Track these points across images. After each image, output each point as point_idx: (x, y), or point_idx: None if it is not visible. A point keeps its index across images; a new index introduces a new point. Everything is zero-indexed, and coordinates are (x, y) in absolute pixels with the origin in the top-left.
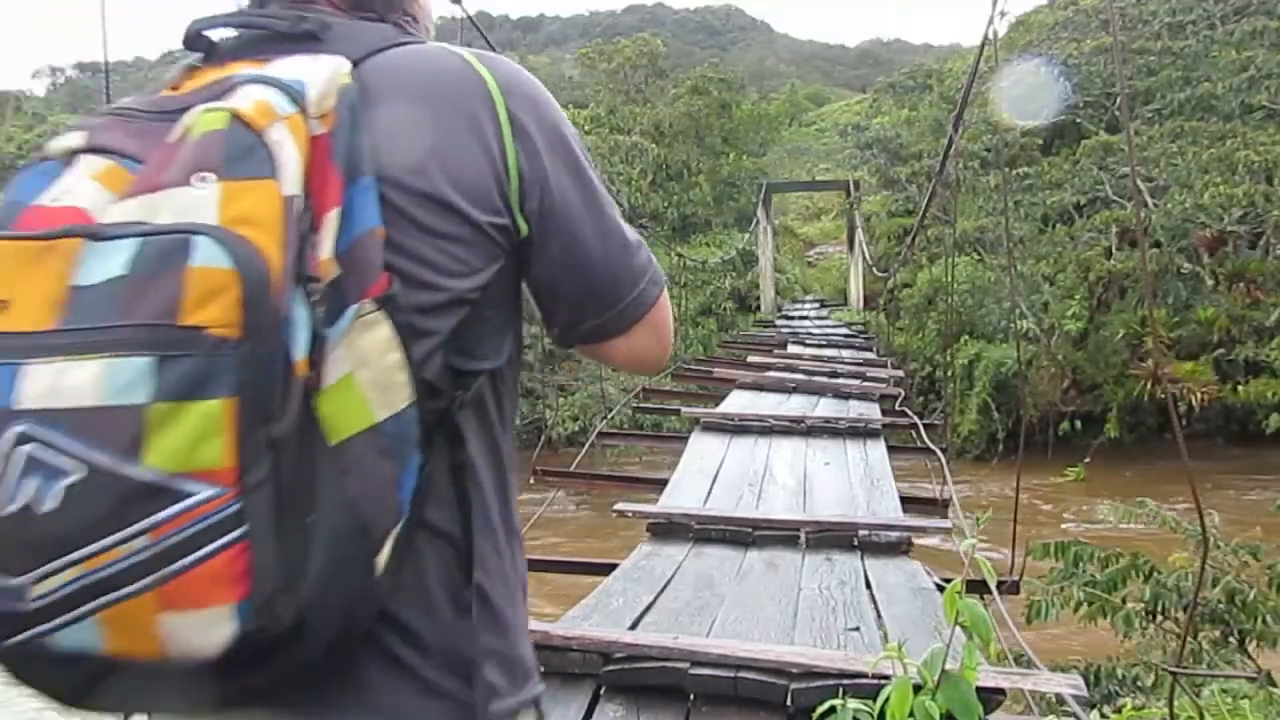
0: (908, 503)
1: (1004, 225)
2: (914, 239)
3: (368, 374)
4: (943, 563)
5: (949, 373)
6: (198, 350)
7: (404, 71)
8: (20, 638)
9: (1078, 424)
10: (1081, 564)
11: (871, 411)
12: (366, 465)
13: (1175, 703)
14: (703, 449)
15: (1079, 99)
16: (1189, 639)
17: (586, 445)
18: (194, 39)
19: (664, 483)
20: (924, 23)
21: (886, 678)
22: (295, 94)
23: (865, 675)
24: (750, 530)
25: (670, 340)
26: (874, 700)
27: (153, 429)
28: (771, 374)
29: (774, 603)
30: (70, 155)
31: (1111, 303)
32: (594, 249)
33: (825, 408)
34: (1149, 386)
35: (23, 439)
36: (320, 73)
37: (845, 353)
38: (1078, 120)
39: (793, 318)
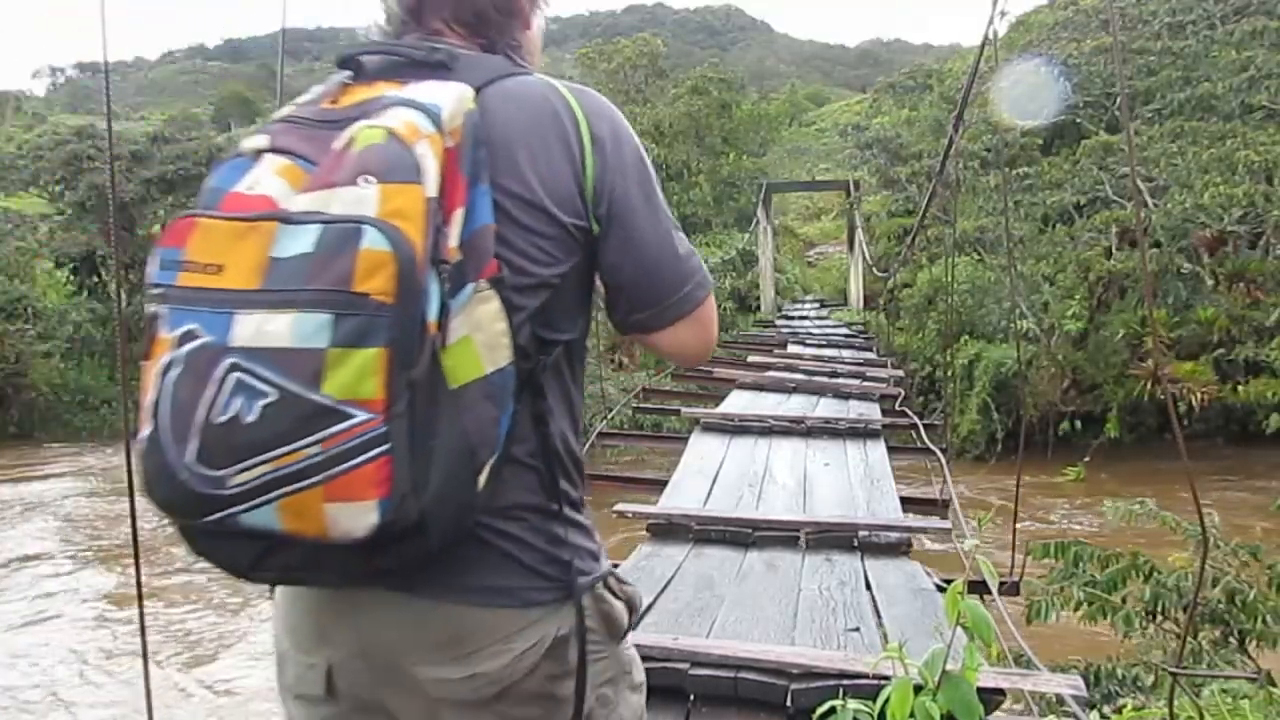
0: (908, 503)
1: (1004, 225)
2: (914, 239)
3: (481, 336)
4: (943, 563)
5: (949, 373)
6: (364, 311)
7: (513, 99)
8: (216, 516)
9: (1078, 424)
10: (1081, 564)
11: (871, 412)
12: (476, 406)
13: (1175, 703)
14: (703, 449)
15: (1079, 99)
16: (1189, 639)
17: (586, 446)
18: (346, 61)
19: (664, 483)
20: (924, 23)
21: (886, 678)
22: (433, 116)
23: (865, 676)
24: (750, 531)
25: (713, 338)
26: (874, 701)
27: (329, 367)
28: (771, 374)
29: (774, 603)
30: (257, 153)
31: (1111, 303)
32: (649, 251)
33: (825, 408)
34: (1149, 386)
35: (233, 367)
36: (450, 97)
37: (845, 353)
38: (1078, 120)
39: (793, 318)
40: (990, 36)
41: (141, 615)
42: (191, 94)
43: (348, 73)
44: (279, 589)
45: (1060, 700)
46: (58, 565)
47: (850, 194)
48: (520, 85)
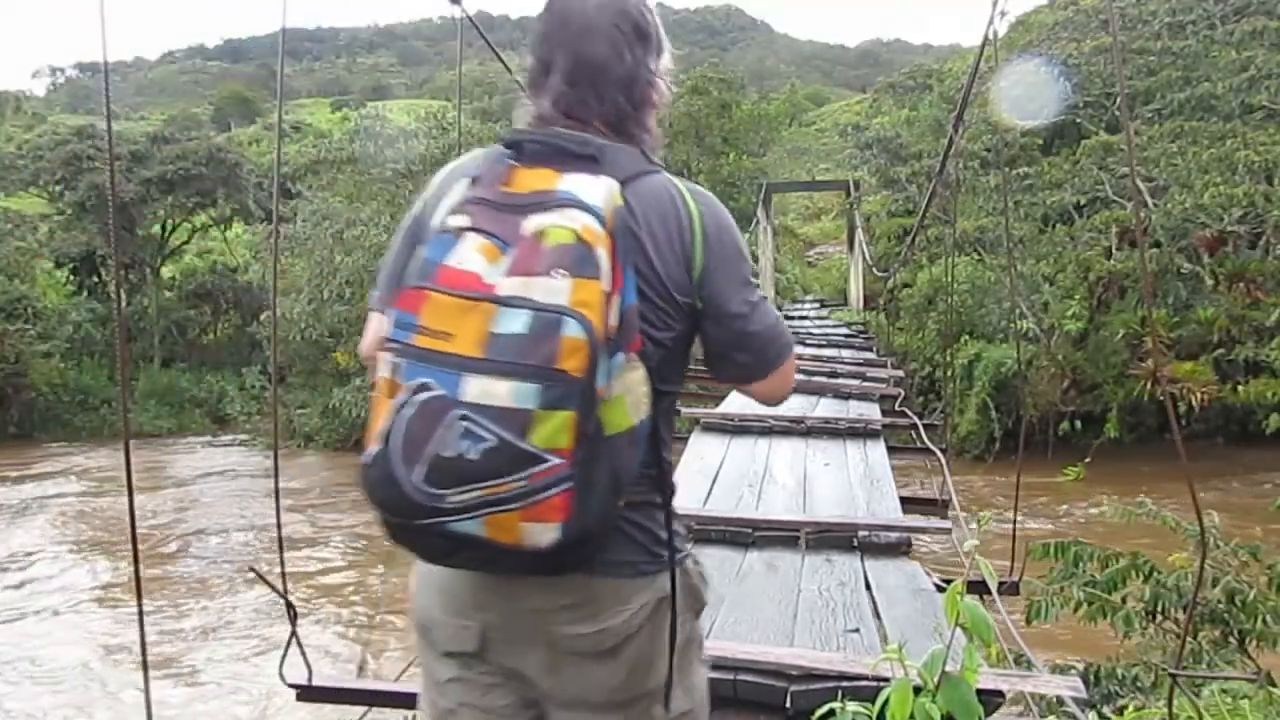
0: (907, 503)
1: (1004, 225)
2: (914, 239)
3: (630, 397)
4: (943, 563)
5: (949, 373)
6: (562, 384)
7: (648, 197)
8: (430, 521)
9: (1078, 424)
10: (1081, 564)
11: (871, 411)
12: (624, 449)
13: (1175, 703)
14: (702, 449)
15: (1079, 99)
16: (1189, 639)
17: None
18: (510, 143)
19: None
20: (924, 23)
21: (886, 680)
22: (601, 219)
23: (865, 677)
24: (750, 531)
25: (791, 384)
26: (873, 703)
27: (535, 423)
28: None
29: (773, 604)
30: (460, 231)
31: (1111, 303)
32: (739, 325)
33: (825, 408)
34: (1149, 386)
35: (463, 418)
36: (604, 195)
37: (845, 353)
38: (1078, 120)
39: (793, 317)
40: (990, 36)
41: (141, 617)
42: (191, 94)
43: (510, 152)
44: (423, 570)
45: (1060, 701)
46: (56, 564)
47: (850, 194)
48: (652, 185)
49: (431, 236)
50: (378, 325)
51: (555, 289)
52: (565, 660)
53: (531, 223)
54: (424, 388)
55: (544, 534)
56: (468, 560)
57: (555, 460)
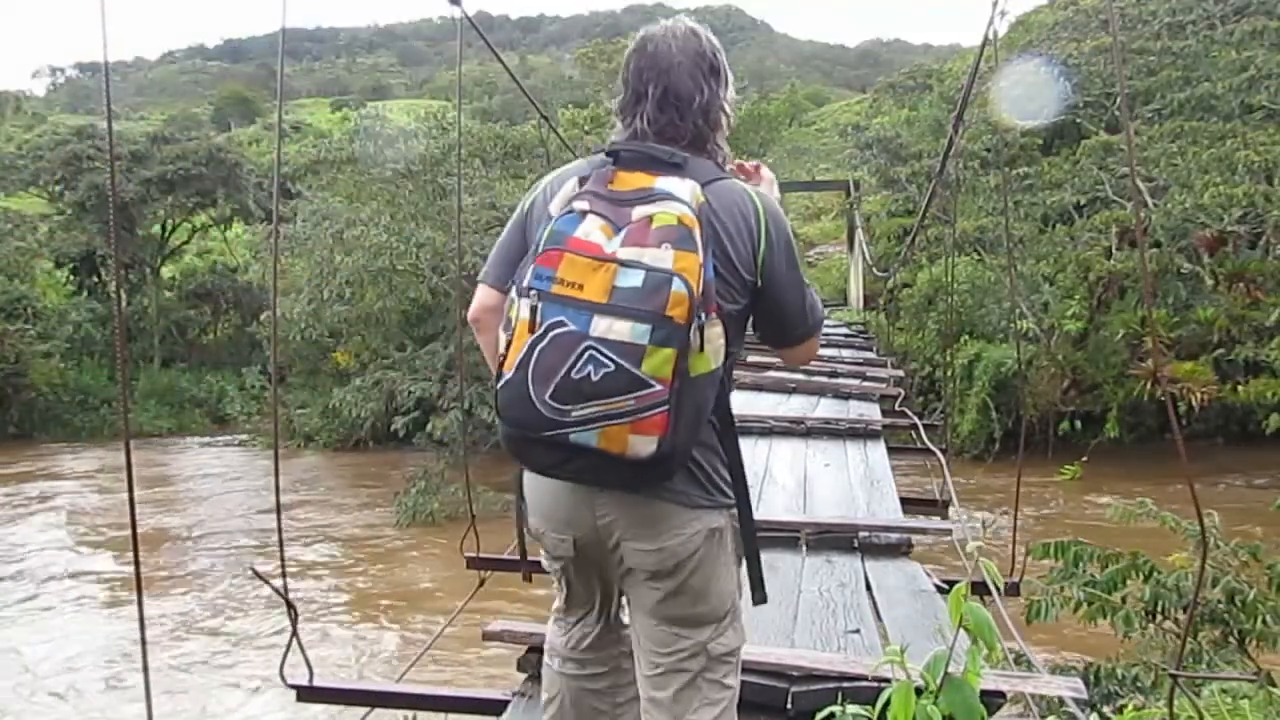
0: (908, 504)
1: (1004, 225)
2: (914, 239)
3: (710, 347)
4: (944, 564)
5: (949, 373)
6: (669, 327)
7: (724, 196)
8: (554, 432)
9: (1078, 424)
10: (1081, 564)
11: (871, 412)
12: (705, 388)
13: (1175, 703)
14: None
15: (1079, 99)
16: (1189, 639)
17: None
18: (610, 153)
19: None
20: (924, 23)
21: (887, 681)
22: (691, 209)
23: (865, 679)
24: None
25: (815, 352)
26: (874, 705)
27: (647, 356)
28: (771, 374)
29: (774, 605)
30: (583, 213)
31: (1111, 303)
32: (787, 301)
33: (825, 408)
34: (1149, 386)
35: (589, 348)
36: (690, 193)
37: (845, 352)
38: (1078, 120)
39: None
40: (990, 36)
41: (141, 618)
42: (191, 94)
43: (610, 160)
44: (530, 494)
45: (1060, 702)
46: (56, 564)
47: (850, 194)
48: (725, 186)
49: (556, 216)
50: (484, 295)
51: (662, 257)
52: (636, 575)
53: (639, 211)
54: (559, 324)
55: (645, 445)
56: (576, 470)
57: (658, 386)
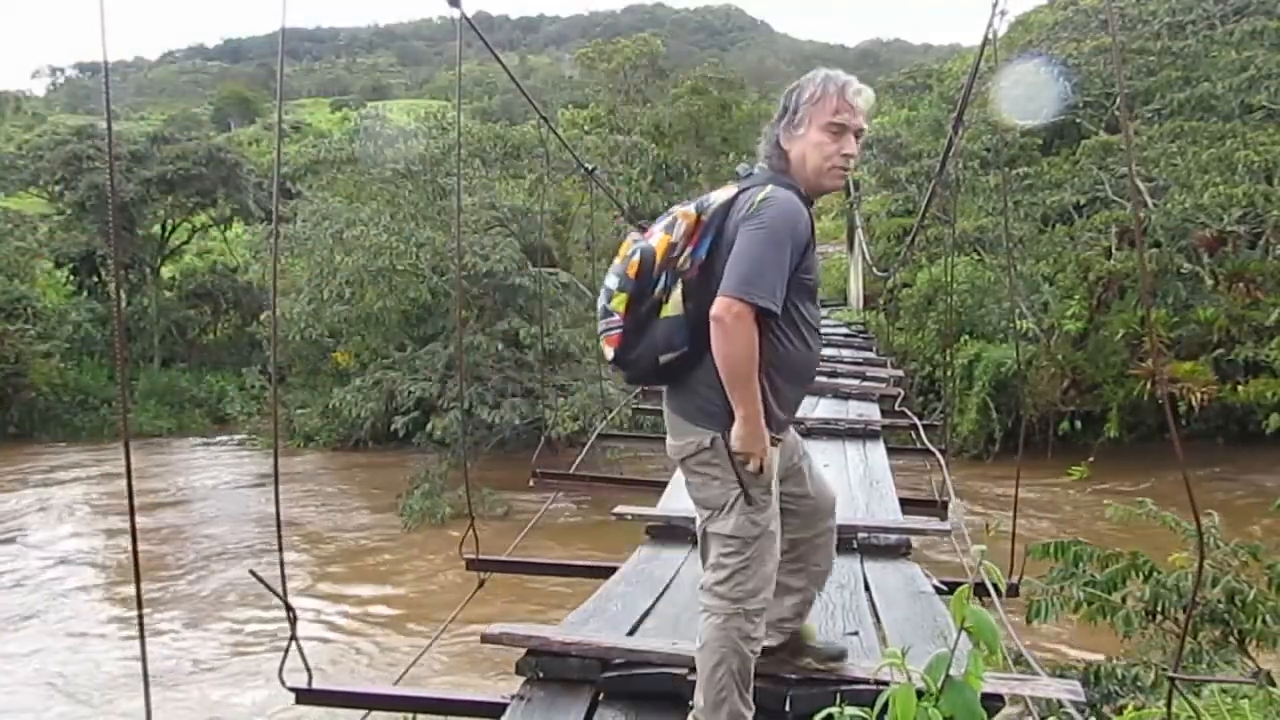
0: (907, 504)
1: (1004, 225)
2: (914, 239)
3: (670, 300)
4: (943, 564)
5: (948, 373)
6: (624, 279)
7: (746, 195)
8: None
9: (1078, 424)
10: (1081, 564)
11: (871, 412)
12: (665, 329)
13: (1174, 704)
14: None
15: (1079, 99)
16: (1189, 639)
17: (586, 447)
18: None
19: (663, 485)
20: (924, 23)
21: (885, 684)
22: (700, 208)
23: (864, 681)
24: None
25: (737, 330)
26: (871, 708)
27: (614, 295)
28: None
29: None
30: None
31: (1111, 303)
32: (731, 261)
33: (825, 408)
34: (1149, 386)
35: (606, 290)
36: (721, 196)
37: (845, 352)
38: (1078, 120)
39: None
40: (990, 36)
41: (140, 618)
42: (191, 94)
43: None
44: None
45: (1059, 704)
46: (55, 564)
47: (850, 194)
48: (751, 187)
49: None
50: None
51: (651, 236)
52: (678, 464)
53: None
54: None
55: (610, 353)
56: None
57: (616, 317)
